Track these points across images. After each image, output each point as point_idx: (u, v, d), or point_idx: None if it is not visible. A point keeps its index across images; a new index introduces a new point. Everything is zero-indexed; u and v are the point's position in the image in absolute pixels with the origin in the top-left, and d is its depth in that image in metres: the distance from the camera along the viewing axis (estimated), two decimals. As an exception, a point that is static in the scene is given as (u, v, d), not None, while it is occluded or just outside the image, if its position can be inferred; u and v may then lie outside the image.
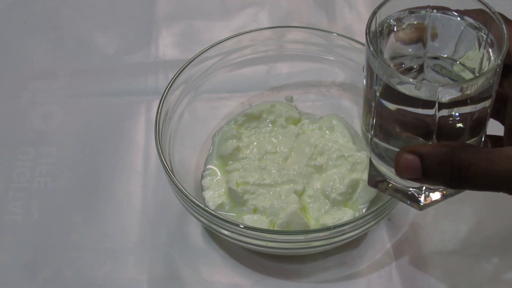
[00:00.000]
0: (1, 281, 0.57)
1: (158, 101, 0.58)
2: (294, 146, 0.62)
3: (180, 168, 0.59)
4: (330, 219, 0.56)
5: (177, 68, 0.60)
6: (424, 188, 0.44)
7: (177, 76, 0.60)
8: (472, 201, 0.60)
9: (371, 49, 0.40)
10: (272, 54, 0.67)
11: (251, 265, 0.57)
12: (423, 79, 0.42)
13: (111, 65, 0.74)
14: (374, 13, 0.42)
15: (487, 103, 0.40)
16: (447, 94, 0.38)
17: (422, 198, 0.44)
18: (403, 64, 0.43)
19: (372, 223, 0.52)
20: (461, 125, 0.40)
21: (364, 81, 0.43)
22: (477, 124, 0.41)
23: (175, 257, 0.58)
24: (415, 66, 0.43)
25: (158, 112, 0.57)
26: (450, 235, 0.58)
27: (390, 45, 0.44)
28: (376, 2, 0.82)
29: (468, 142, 0.41)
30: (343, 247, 0.56)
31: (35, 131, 0.68)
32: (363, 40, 0.64)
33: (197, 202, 0.52)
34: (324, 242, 0.52)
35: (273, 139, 0.63)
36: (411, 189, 0.44)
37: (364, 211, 0.57)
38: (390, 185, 0.45)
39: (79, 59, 0.75)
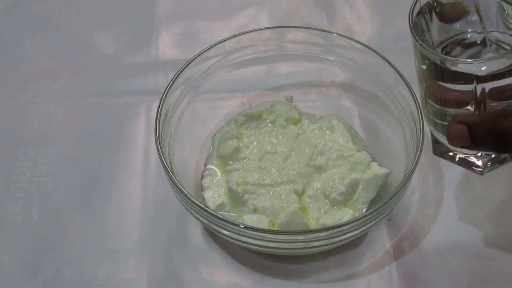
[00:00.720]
0: (1, 281, 0.57)
1: (158, 101, 0.58)
2: (294, 146, 0.62)
3: (180, 168, 0.59)
4: (330, 219, 0.56)
5: (177, 68, 0.60)
6: (480, 154, 0.46)
7: (177, 76, 0.60)
8: (472, 201, 0.60)
9: (413, 32, 0.44)
10: (272, 54, 0.67)
11: (251, 265, 0.57)
12: None
13: (111, 65, 0.74)
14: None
15: None
16: (483, 68, 0.41)
17: (480, 164, 0.46)
18: (464, 40, 0.46)
19: (372, 223, 0.52)
20: (505, 95, 0.42)
21: (415, 62, 0.46)
22: None
23: (175, 257, 0.58)
24: (478, 41, 0.45)
25: (158, 112, 0.57)
26: (450, 235, 0.58)
27: (441, 24, 0.46)
28: (376, 2, 0.83)
29: None
30: (343, 247, 0.56)
31: (35, 131, 0.68)
32: (363, 40, 0.64)
33: (197, 202, 0.52)
34: (324, 242, 0.52)
35: (273, 139, 0.63)
36: (472, 157, 0.46)
37: (364, 211, 0.57)
38: (458, 155, 0.47)
39: (79, 59, 0.75)
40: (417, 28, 0.45)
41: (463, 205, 0.60)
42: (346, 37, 0.63)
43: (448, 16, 0.46)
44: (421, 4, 0.46)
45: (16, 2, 0.81)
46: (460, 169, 0.62)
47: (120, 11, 0.80)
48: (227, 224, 0.51)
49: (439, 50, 0.46)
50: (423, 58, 0.45)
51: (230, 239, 0.53)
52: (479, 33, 0.46)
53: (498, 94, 0.42)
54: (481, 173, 0.46)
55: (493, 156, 0.46)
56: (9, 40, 0.77)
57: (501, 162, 0.46)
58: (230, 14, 0.79)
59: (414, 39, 0.44)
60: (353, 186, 0.58)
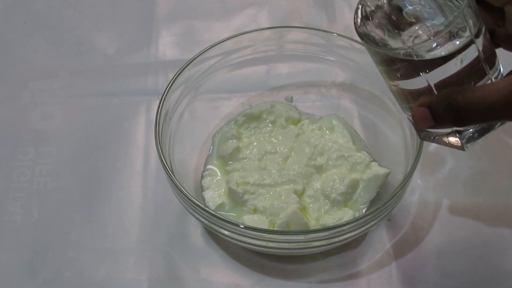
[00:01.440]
0: (1, 281, 0.57)
1: (158, 101, 0.58)
2: (294, 146, 0.62)
3: (180, 168, 0.59)
4: (330, 219, 0.56)
5: (177, 68, 0.60)
6: (453, 131, 0.46)
7: (177, 76, 0.60)
8: (472, 200, 0.60)
9: (358, 32, 0.45)
10: (272, 54, 0.67)
11: (251, 265, 0.57)
12: None
13: (111, 65, 0.74)
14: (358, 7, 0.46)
15: (473, 51, 0.43)
16: (425, 53, 0.42)
17: (458, 140, 0.47)
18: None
19: (372, 223, 0.52)
20: (458, 74, 0.44)
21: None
22: (475, 68, 0.44)
23: (175, 257, 0.58)
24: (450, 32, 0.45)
25: (158, 112, 0.57)
26: (450, 235, 0.58)
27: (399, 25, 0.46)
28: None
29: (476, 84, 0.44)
30: (343, 247, 0.56)
31: (35, 131, 0.68)
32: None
33: (197, 202, 0.52)
34: (324, 242, 0.52)
35: (273, 139, 0.63)
36: (451, 136, 0.47)
37: (364, 211, 0.57)
38: (437, 137, 0.48)
39: (79, 59, 0.75)
40: (364, 31, 0.46)
41: (463, 205, 0.60)
42: (346, 37, 0.63)
43: (401, 25, 0.47)
44: (367, 11, 0.46)
45: (16, 2, 0.81)
46: (460, 169, 0.62)
47: (120, 11, 0.80)
48: (227, 224, 0.51)
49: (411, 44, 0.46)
50: (373, 55, 0.46)
51: (230, 239, 0.53)
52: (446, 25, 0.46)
53: (453, 73, 0.44)
54: (462, 148, 0.47)
55: (469, 130, 0.46)
56: (9, 40, 0.77)
57: (480, 134, 0.47)
58: (230, 14, 0.79)
59: (360, 38, 0.45)
60: (353, 186, 0.58)
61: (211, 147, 0.63)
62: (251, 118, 0.64)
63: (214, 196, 0.59)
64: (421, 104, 0.44)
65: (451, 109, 0.42)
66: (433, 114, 0.43)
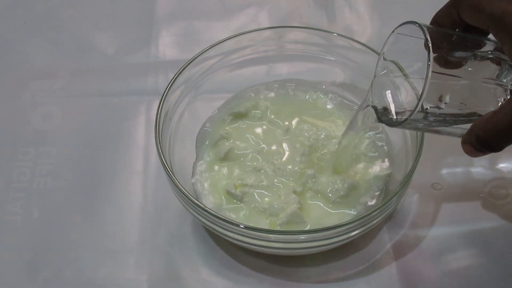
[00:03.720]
0: (1, 281, 0.57)
1: (158, 101, 0.58)
2: (287, 142, 0.61)
3: (180, 168, 0.59)
4: (330, 219, 0.56)
5: (177, 68, 0.60)
6: None
7: (177, 76, 0.60)
8: (472, 201, 0.60)
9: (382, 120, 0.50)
10: (272, 54, 0.67)
11: (251, 265, 0.57)
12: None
13: (111, 65, 0.74)
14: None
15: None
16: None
17: None
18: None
19: (372, 223, 0.52)
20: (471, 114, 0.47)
21: None
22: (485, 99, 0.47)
23: (175, 257, 0.58)
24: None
25: (158, 112, 0.57)
26: (450, 235, 0.58)
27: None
28: (376, 2, 0.83)
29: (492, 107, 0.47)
30: (343, 247, 0.56)
31: (35, 131, 0.68)
32: (363, 40, 0.64)
33: (197, 202, 0.52)
34: (324, 242, 0.52)
35: (265, 136, 0.62)
36: None
37: (364, 211, 0.57)
38: None
39: (79, 59, 0.75)
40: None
41: (463, 205, 0.60)
42: (346, 37, 0.63)
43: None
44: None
45: (16, 2, 0.81)
46: (460, 169, 0.62)
47: (120, 11, 0.80)
48: (227, 224, 0.51)
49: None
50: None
51: (230, 239, 0.53)
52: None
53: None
54: None
55: None
56: (9, 40, 0.77)
57: None
58: (230, 14, 0.79)
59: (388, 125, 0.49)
60: (353, 186, 0.57)
61: (204, 151, 0.62)
62: (238, 116, 0.64)
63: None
64: (463, 142, 0.47)
65: (481, 142, 0.45)
66: (473, 147, 0.46)
